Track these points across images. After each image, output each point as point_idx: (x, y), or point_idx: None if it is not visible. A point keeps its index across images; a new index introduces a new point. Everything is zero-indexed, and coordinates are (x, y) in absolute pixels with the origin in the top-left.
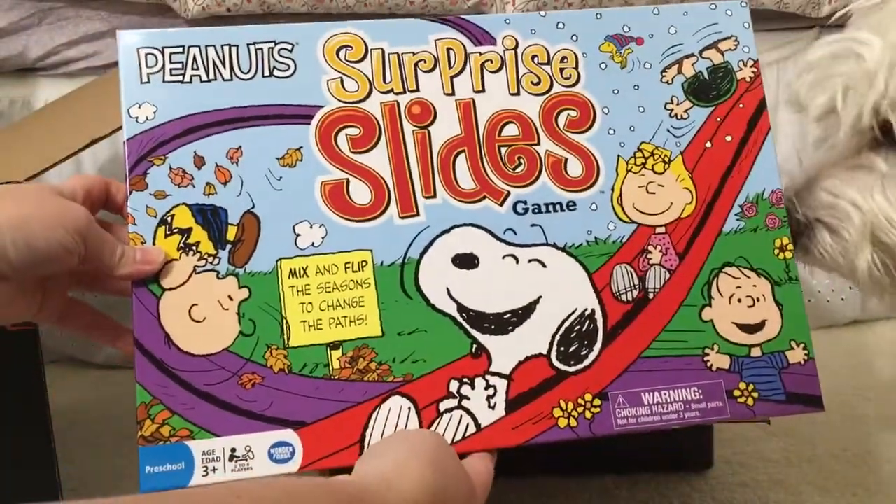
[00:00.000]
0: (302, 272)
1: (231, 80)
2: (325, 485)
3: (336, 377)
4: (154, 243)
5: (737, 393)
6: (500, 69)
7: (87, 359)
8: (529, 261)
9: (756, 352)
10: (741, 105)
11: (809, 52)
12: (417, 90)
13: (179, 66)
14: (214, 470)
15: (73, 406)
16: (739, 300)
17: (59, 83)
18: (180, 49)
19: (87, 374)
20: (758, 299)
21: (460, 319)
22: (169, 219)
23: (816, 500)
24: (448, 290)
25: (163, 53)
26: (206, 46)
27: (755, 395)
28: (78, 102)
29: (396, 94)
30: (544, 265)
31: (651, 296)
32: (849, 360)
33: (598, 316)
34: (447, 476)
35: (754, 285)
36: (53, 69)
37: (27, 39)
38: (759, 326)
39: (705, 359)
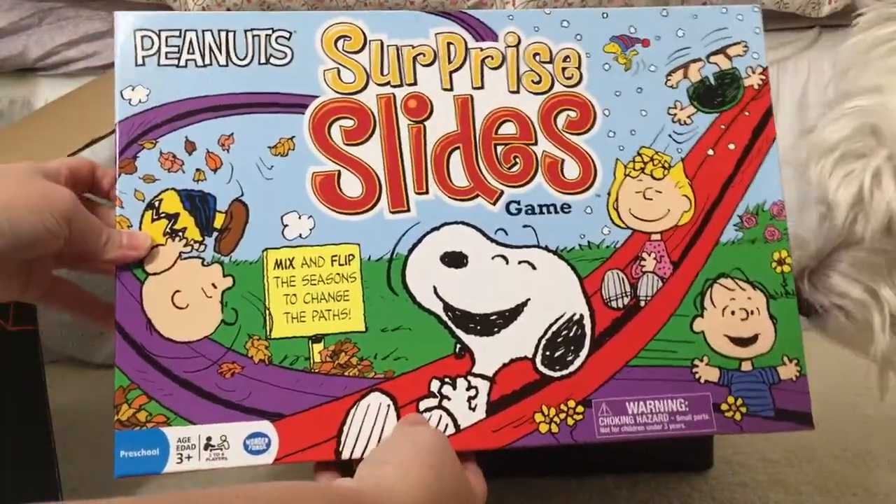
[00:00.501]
0: (288, 263)
1: (227, 65)
2: (325, 488)
3: (316, 371)
4: (140, 227)
5: (724, 407)
6: (500, 66)
7: (87, 359)
8: (519, 262)
9: (747, 366)
10: (747, 113)
11: (825, 131)
12: (415, 84)
13: (175, 49)
14: (189, 458)
15: (73, 406)
16: (733, 312)
17: (59, 83)
18: (177, 33)
19: (87, 374)
20: (752, 312)
21: (445, 318)
22: (157, 203)
23: (816, 500)
24: (435, 288)
25: (159, 36)
26: (203, 31)
27: (743, 409)
28: (78, 102)
29: (393, 86)
30: (534, 267)
31: (642, 304)
32: (849, 360)
33: (587, 322)
34: (447, 479)
35: (749, 298)
36: (53, 69)
37: (27, 39)
38: (751, 340)
39: (694, 370)
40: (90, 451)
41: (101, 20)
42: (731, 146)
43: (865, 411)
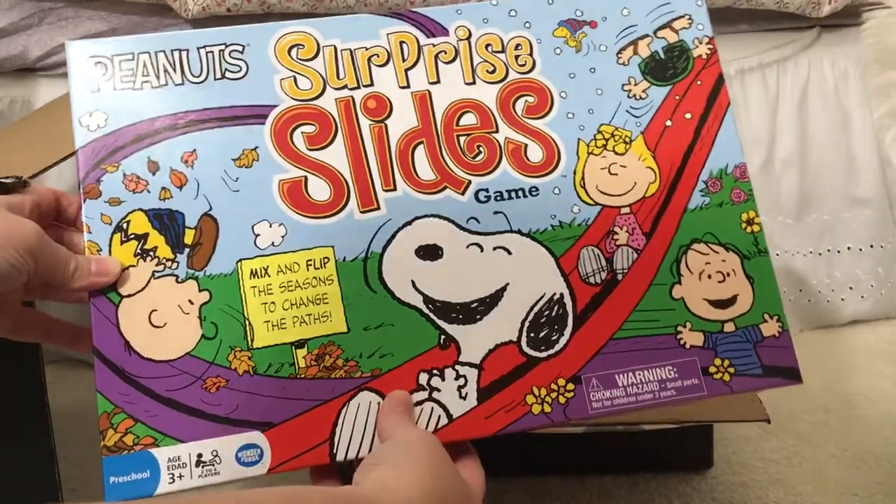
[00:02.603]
0: (263, 272)
1: (182, 83)
2: (326, 491)
3: (302, 376)
4: (110, 251)
5: (712, 369)
6: (454, 59)
7: (87, 359)
8: (494, 248)
9: (729, 327)
10: (699, 82)
11: None
12: (372, 84)
13: (129, 72)
14: (181, 477)
15: (73, 406)
16: (710, 276)
17: (59, 83)
18: (129, 56)
19: (87, 374)
20: (728, 274)
21: (427, 311)
22: (125, 225)
23: (816, 500)
24: (413, 282)
25: (112, 61)
26: (156, 52)
27: (731, 370)
28: None
29: (351, 89)
30: (510, 252)
31: (620, 277)
32: (849, 360)
33: (567, 300)
34: (444, 480)
35: (723, 260)
36: (53, 69)
37: (27, 39)
38: (730, 301)
39: (678, 337)
40: (90, 451)
41: (101, 20)
42: (688, 115)
43: (865, 411)
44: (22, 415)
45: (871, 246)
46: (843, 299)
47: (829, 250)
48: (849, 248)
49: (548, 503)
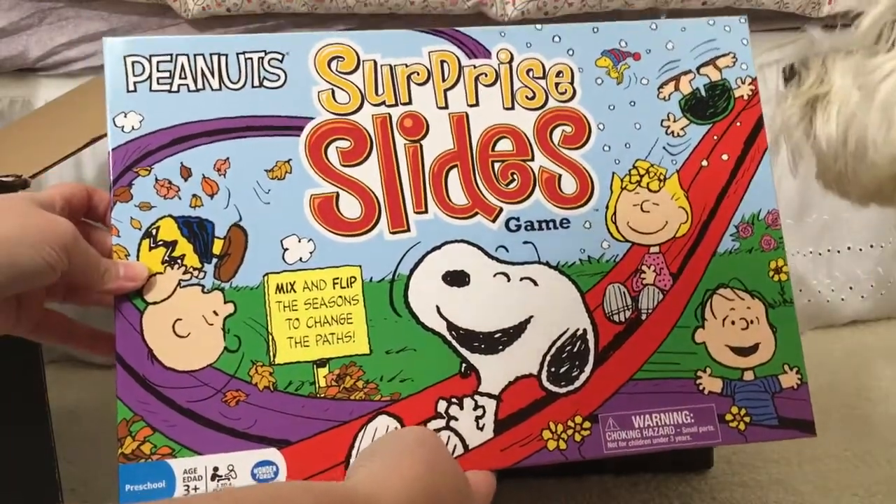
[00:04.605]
0: (289, 287)
1: (220, 89)
2: (313, 486)
3: (322, 395)
4: (138, 256)
5: (728, 417)
6: (494, 83)
7: (87, 359)
8: (521, 279)
9: (749, 375)
10: (738, 123)
11: None
12: (410, 103)
13: (167, 74)
14: (196, 489)
15: (73, 406)
16: (733, 322)
17: (59, 83)
18: (168, 57)
19: (87, 374)
20: (751, 321)
21: (450, 338)
22: (154, 231)
23: (816, 500)
24: (438, 307)
25: (150, 61)
26: (195, 55)
27: (747, 419)
28: (78, 102)
29: (388, 106)
30: (536, 283)
31: (644, 317)
32: (849, 360)
33: (590, 336)
34: (441, 473)
35: (748, 307)
36: (53, 69)
37: (27, 39)
38: (752, 349)
39: (697, 382)
40: (90, 451)
41: (101, 20)
42: (725, 157)
43: (865, 411)
44: (22, 415)
45: (871, 246)
46: (843, 299)
47: (829, 250)
48: (849, 248)
49: (548, 503)
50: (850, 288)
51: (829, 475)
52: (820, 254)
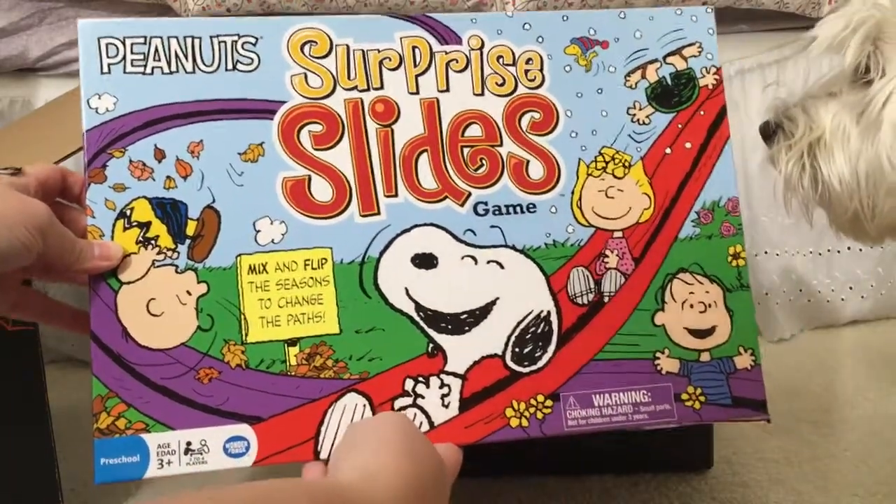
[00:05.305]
0: (261, 268)
1: (193, 72)
2: (308, 485)
3: (293, 373)
4: (112, 237)
5: (685, 396)
6: (465, 69)
7: (87, 359)
8: (488, 262)
9: (705, 356)
10: (702, 112)
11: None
12: (382, 88)
13: (141, 56)
14: (170, 463)
15: (73, 406)
16: (692, 305)
17: (59, 83)
18: (142, 39)
19: (87, 374)
20: (709, 305)
21: (417, 319)
22: (128, 212)
23: (816, 500)
24: (406, 289)
25: (124, 43)
26: (169, 38)
27: (702, 398)
28: (78, 101)
29: (361, 91)
30: (502, 266)
31: (606, 299)
32: (849, 360)
33: (554, 318)
34: (420, 460)
35: (707, 291)
36: (53, 69)
37: (27, 39)
38: (709, 332)
39: (656, 362)
40: (90, 451)
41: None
42: (688, 145)
43: (865, 411)
44: (22, 415)
45: (871, 246)
46: (843, 299)
47: (829, 250)
48: (849, 249)
49: (548, 503)
50: (851, 288)
51: (829, 475)
52: (820, 254)
